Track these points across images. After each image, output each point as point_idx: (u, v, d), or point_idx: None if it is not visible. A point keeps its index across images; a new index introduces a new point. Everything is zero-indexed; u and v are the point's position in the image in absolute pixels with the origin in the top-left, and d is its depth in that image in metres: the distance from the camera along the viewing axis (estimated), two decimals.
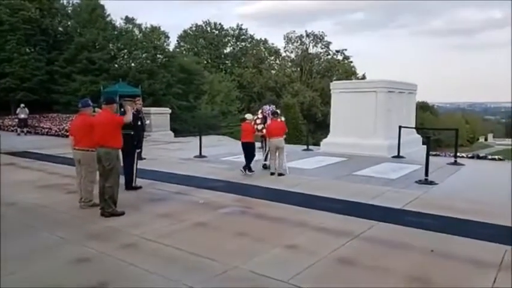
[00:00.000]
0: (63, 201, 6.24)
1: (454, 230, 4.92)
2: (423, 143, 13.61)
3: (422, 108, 52.35)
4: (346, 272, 3.78)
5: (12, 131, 20.52)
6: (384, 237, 4.72)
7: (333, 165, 10.26)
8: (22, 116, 19.57)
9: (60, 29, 27.93)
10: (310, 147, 13.79)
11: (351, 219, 5.37)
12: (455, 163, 10.34)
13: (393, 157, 11.28)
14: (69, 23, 28.40)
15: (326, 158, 11.16)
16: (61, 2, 28.54)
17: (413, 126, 14.24)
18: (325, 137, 13.93)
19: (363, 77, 47.59)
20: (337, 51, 49.50)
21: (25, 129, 19.44)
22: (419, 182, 7.81)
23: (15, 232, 4.80)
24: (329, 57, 49.40)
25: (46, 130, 19.19)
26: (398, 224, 5.18)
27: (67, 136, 6.78)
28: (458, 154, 11.02)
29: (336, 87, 13.46)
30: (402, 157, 11.23)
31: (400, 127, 11.58)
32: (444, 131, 36.51)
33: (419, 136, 14.51)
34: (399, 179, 8.36)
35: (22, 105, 20.10)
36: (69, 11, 28.85)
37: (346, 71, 47.81)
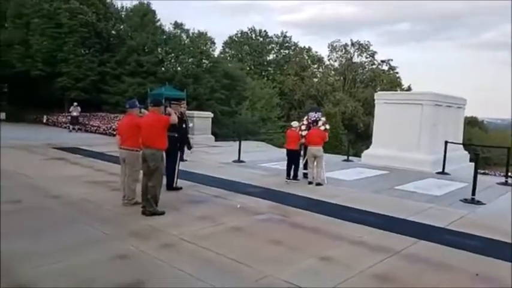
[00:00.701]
0: (107, 198, 6.52)
1: (500, 254, 4.65)
2: (471, 160, 12.99)
3: (471, 123, 49.91)
4: None
5: (65, 127, 21.78)
6: (425, 255, 4.54)
7: (374, 177, 10.01)
8: (74, 113, 20.76)
9: (113, 32, 29.31)
10: (351, 158, 13.55)
11: (389, 235, 5.22)
12: (506, 183, 9.76)
13: (438, 173, 10.83)
14: (121, 26, 29.76)
15: (366, 170, 10.91)
16: (115, 6, 30.01)
17: (461, 141, 13.60)
18: (366, 148, 13.64)
19: (409, 89, 46.17)
20: (382, 61, 48.47)
21: (76, 127, 20.58)
22: (465, 200, 7.45)
23: (59, 224, 5.07)
24: (374, 67, 48.43)
25: (95, 128, 20.19)
26: (441, 243, 4.97)
27: (114, 135, 7.12)
28: (509, 174, 10.38)
29: (380, 97, 13.15)
30: (447, 173, 10.76)
31: (446, 142, 11.11)
32: (494, 149, 34.52)
33: (466, 153, 13.84)
34: (443, 196, 8.02)
35: (75, 103, 21.32)
36: (123, 16, 30.24)
37: (391, 82, 46.56)
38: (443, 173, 10.83)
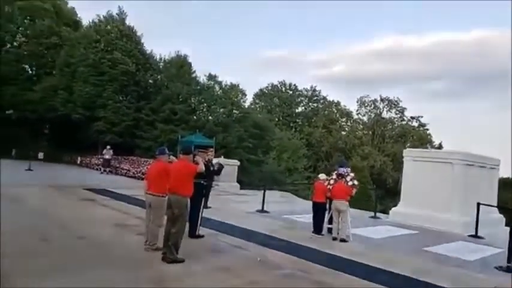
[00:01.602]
0: (131, 242, 6.59)
1: None
2: (506, 224, 12.33)
3: (506, 185, 47.67)
4: None
5: (97, 169, 22.56)
6: None
7: (401, 237, 9.66)
8: (107, 156, 21.56)
9: (151, 81, 30.95)
10: (378, 214, 13.18)
11: None
12: None
13: (470, 236, 10.32)
14: (158, 76, 31.43)
15: (394, 229, 10.55)
16: (154, 58, 31.91)
17: (495, 203, 13.01)
18: (395, 205, 13.26)
19: (440, 146, 45.30)
20: (412, 118, 48.24)
21: (107, 169, 21.27)
22: (500, 268, 7.01)
23: (80, 265, 5.13)
24: (403, 122, 48.19)
25: (125, 171, 20.77)
26: None
27: (143, 179, 7.33)
28: None
29: (409, 154, 12.97)
30: (480, 237, 10.22)
31: (478, 204, 10.67)
32: None
33: (501, 216, 13.18)
34: (476, 261, 7.59)
35: (108, 146, 22.21)
36: (160, 66, 32.05)
37: (421, 138, 45.99)
38: (476, 236, 10.30)
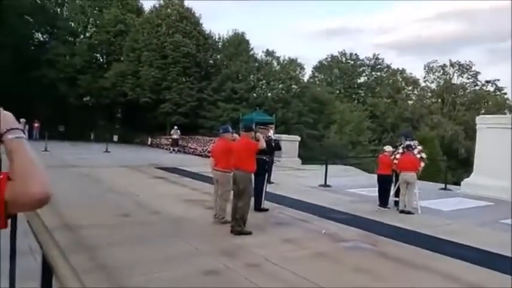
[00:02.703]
0: (201, 215, 7.03)
1: None
2: None
3: None
4: None
5: (166, 149, 23.93)
6: None
7: (475, 209, 9.19)
8: (175, 136, 22.75)
9: (211, 61, 31.69)
10: (449, 186, 12.58)
11: (490, 273, 4.77)
12: None
13: None
14: (218, 56, 32.06)
15: (466, 200, 10.05)
16: (213, 38, 32.49)
17: None
18: (468, 176, 12.54)
19: None
20: (487, 82, 44.26)
21: (176, 148, 22.46)
22: None
23: (160, 238, 5.61)
24: (477, 88, 44.44)
25: (192, 150, 21.81)
26: None
27: (209, 157, 7.70)
28: None
29: (483, 121, 12.10)
30: None
31: None
32: None
33: None
34: None
35: (175, 127, 23.39)
36: (219, 46, 32.59)
37: (498, 104, 42.21)
38: None
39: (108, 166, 13.98)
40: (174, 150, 22.38)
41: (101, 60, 33.27)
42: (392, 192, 8.79)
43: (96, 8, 32.69)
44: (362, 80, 49.76)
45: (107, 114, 33.77)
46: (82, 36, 33.07)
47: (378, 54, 49.72)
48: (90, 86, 30.02)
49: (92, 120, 31.55)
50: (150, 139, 27.84)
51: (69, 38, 32.04)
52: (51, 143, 18.94)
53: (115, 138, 27.85)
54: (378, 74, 49.45)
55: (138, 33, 29.19)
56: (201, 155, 19.98)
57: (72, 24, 32.47)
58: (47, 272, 3.01)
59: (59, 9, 33.83)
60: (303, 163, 19.03)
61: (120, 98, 29.71)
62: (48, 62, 29.35)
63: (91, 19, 32.98)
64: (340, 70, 48.69)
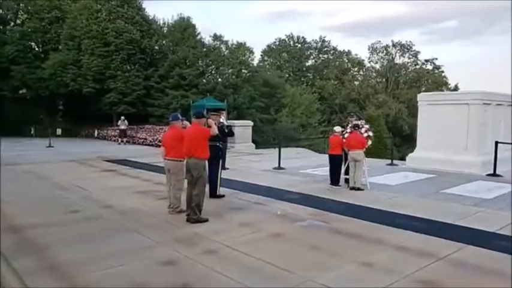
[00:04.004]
0: (154, 207, 6.85)
1: None
2: None
3: None
4: None
5: (114, 140, 23.00)
6: (472, 261, 4.41)
7: (419, 181, 9.75)
8: (122, 127, 21.90)
9: (156, 47, 30.60)
10: (395, 161, 13.23)
11: (434, 240, 5.10)
12: None
13: (488, 175, 10.34)
14: (164, 42, 31.03)
15: (411, 174, 10.63)
16: (158, 23, 31.34)
17: None
18: (412, 151, 13.27)
19: (455, 88, 44.24)
20: (426, 61, 46.82)
21: (124, 139, 21.66)
22: None
23: (113, 232, 5.42)
24: (417, 67, 46.87)
25: (142, 140, 21.13)
26: (490, 248, 4.79)
27: (160, 146, 7.49)
28: None
29: (424, 99, 12.78)
30: (499, 175, 10.24)
31: (496, 142, 10.59)
32: None
33: None
34: (494, 199, 7.67)
35: (122, 117, 22.50)
36: (165, 31, 31.54)
37: (437, 82, 44.84)
38: (494, 175, 10.32)
39: (53, 161, 13.21)
40: (122, 141, 21.59)
41: (37, 49, 31.00)
42: (342, 170, 9.10)
43: None
44: (310, 63, 50.58)
45: (47, 107, 31.64)
46: (12, 23, 30.57)
47: (324, 37, 50.75)
48: (25, 77, 27.91)
49: (31, 114, 29.48)
50: (96, 131, 26.61)
51: None
52: None
53: (58, 131, 26.29)
54: (325, 56, 50.47)
55: (76, 20, 27.46)
56: (152, 145, 19.44)
57: (0, 11, 29.88)
58: None
59: None
60: (256, 148, 19.16)
61: (61, 89, 27.93)
62: None
63: (21, 5, 30.51)
64: (288, 54, 49.11)
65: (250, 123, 20.40)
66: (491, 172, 10.42)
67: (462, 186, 8.87)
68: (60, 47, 28.73)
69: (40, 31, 29.17)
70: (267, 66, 46.26)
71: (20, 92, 30.28)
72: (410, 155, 12.95)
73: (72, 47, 27.29)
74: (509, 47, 68.21)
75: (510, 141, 11.24)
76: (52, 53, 28.15)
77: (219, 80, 30.54)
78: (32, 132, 26.81)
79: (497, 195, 7.98)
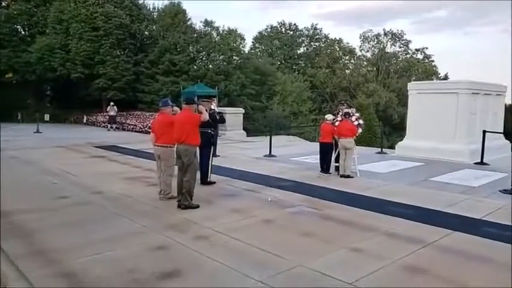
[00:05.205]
0: (144, 193, 6.82)
1: None
2: None
3: None
4: (415, 280, 3.69)
5: (104, 126, 22.75)
6: (459, 247, 4.49)
7: (408, 169, 9.85)
8: (112, 113, 21.64)
9: (146, 33, 30.15)
10: (385, 150, 13.34)
11: (423, 227, 5.18)
12: None
13: (475, 163, 10.49)
14: (154, 27, 30.55)
15: (401, 162, 10.74)
16: (148, 8, 30.83)
17: (501, 130, 13.06)
18: (401, 140, 13.38)
19: (445, 78, 44.57)
20: (417, 50, 46.95)
21: (114, 126, 21.44)
22: (505, 191, 7.21)
23: (101, 218, 5.39)
24: (408, 56, 47.01)
25: (132, 126, 20.93)
26: (476, 234, 4.89)
27: (149, 132, 7.42)
28: None
29: (413, 88, 12.83)
30: (486, 164, 10.40)
31: (484, 131, 10.72)
32: None
33: (507, 142, 13.28)
34: (481, 187, 7.80)
35: (112, 103, 22.22)
36: (155, 16, 31.02)
37: (427, 71, 45.06)
38: (481, 163, 10.47)
39: (41, 147, 13.03)
40: (112, 127, 21.36)
41: (23, 32, 30.27)
42: (333, 158, 9.14)
43: None
44: (301, 50, 50.31)
45: (35, 92, 31.04)
46: None
47: (316, 25, 50.45)
48: (12, 61, 27.29)
49: (17, 99, 28.89)
50: (85, 117, 26.26)
51: None
52: None
53: (46, 117, 25.85)
54: (317, 44, 50.23)
55: (64, 3, 26.84)
56: (142, 131, 19.28)
57: None
58: None
59: None
60: (248, 135, 19.15)
61: (48, 74, 27.39)
62: None
63: None
64: (280, 41, 48.77)
65: (242, 110, 20.33)
66: (479, 161, 10.58)
67: (450, 174, 8.99)
68: (47, 31, 28.11)
69: (26, 13, 28.46)
70: (259, 53, 45.95)
71: (6, 76, 29.64)
72: (399, 143, 13.05)
73: (59, 31, 26.73)
74: (497, 38, 68.85)
75: (497, 131, 11.41)
76: (39, 37, 27.55)
77: (210, 66, 30.26)
78: (19, 117, 26.37)
79: (484, 183, 8.11)
